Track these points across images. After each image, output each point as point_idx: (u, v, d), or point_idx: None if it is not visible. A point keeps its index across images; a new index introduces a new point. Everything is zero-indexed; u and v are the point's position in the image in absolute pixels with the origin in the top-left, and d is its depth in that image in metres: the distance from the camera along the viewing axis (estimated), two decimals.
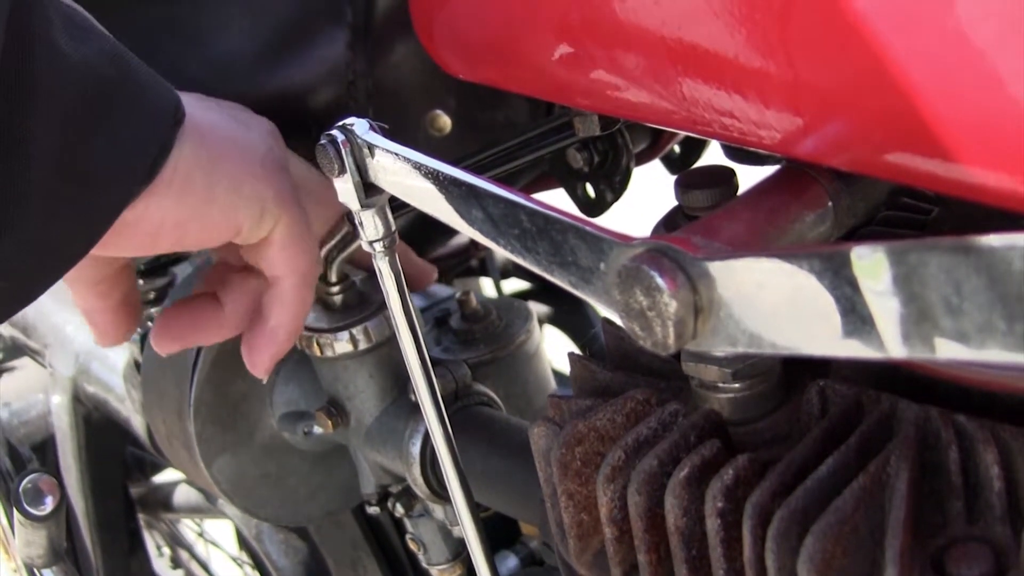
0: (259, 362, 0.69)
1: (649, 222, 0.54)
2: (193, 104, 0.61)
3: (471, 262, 1.19)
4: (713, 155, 0.46)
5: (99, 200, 0.54)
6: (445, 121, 0.76)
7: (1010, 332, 0.28)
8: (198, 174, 0.59)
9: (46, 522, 0.95)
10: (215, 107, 0.66)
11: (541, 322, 1.23)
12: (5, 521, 1.19)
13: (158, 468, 1.40)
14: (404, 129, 0.76)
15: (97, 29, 0.57)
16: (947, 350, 0.30)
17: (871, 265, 0.31)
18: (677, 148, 0.84)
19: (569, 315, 1.29)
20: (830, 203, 0.44)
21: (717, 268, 0.36)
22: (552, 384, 0.84)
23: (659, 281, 0.36)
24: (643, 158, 0.80)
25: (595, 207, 0.74)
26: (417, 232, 0.81)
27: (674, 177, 0.53)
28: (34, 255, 0.53)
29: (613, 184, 0.72)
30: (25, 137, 0.50)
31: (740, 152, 0.57)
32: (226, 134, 0.63)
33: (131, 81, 0.56)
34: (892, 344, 0.31)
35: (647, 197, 0.97)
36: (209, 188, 0.60)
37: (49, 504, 0.95)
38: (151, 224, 0.59)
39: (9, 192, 0.50)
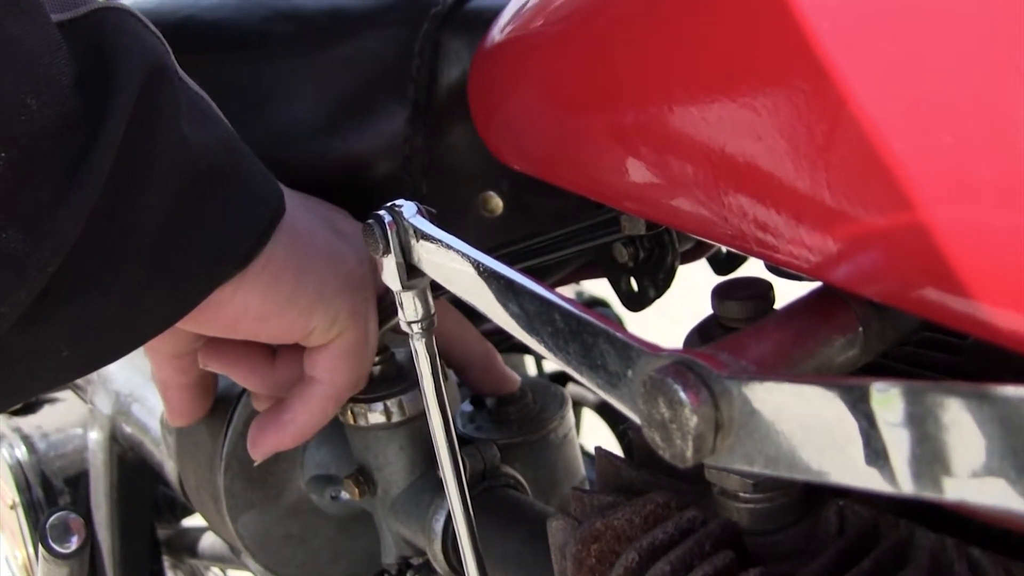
0: (259, 445, 0.70)
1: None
2: (296, 205, 0.64)
3: (514, 339, 1.20)
4: (757, 260, 0.46)
5: (193, 276, 0.56)
6: (497, 203, 0.77)
7: (1019, 481, 0.28)
8: (288, 274, 0.61)
9: (69, 560, 0.96)
10: (316, 211, 0.68)
11: (578, 404, 1.23)
12: (32, 550, 1.21)
13: (188, 511, 1.40)
14: (456, 207, 0.77)
15: (218, 117, 0.60)
16: (956, 492, 0.30)
17: (888, 402, 0.31)
18: (724, 249, 0.85)
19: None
20: (860, 328, 0.44)
21: (740, 388, 0.36)
22: (581, 470, 0.84)
23: (682, 395, 0.37)
24: (688, 257, 0.80)
25: (637, 302, 0.75)
26: (464, 305, 0.82)
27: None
28: (116, 321, 0.55)
29: (657, 280, 0.72)
30: (138, 206, 0.52)
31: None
32: (320, 241, 0.65)
33: (241, 171, 0.59)
34: (903, 481, 0.31)
35: None
36: (294, 290, 0.62)
37: (74, 543, 0.96)
38: (234, 310, 0.61)
39: (113, 254, 0.52)
